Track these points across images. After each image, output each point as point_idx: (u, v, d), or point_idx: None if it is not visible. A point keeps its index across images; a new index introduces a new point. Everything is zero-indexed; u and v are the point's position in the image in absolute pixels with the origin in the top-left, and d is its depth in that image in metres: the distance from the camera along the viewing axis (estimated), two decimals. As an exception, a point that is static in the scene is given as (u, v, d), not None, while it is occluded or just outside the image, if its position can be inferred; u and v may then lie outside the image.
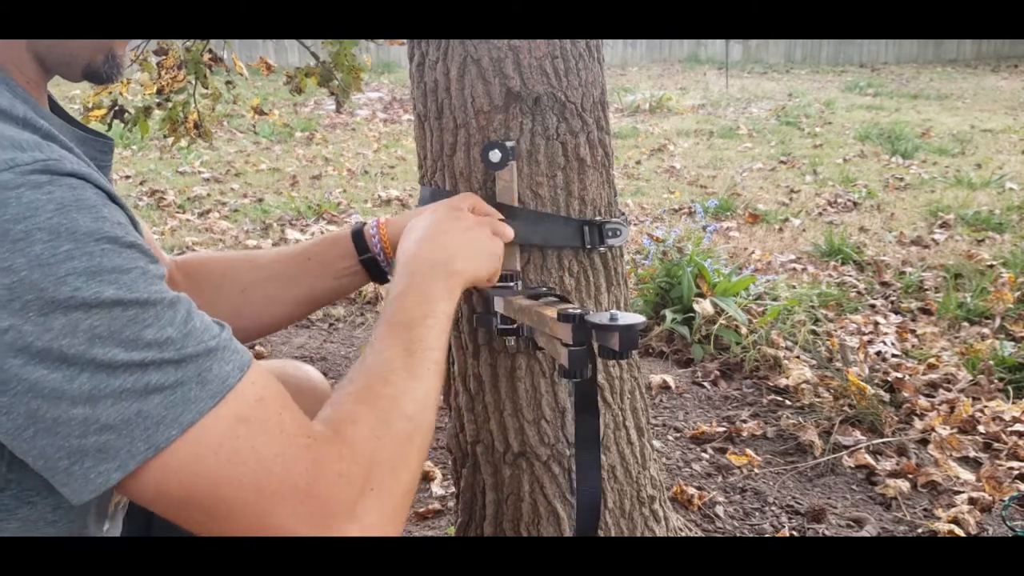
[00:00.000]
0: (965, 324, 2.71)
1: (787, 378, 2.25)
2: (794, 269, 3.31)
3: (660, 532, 1.34)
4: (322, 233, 3.10)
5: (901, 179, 4.97)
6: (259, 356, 2.55)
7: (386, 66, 9.95)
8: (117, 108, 2.29)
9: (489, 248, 0.99)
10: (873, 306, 2.92)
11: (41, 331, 0.55)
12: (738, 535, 1.61)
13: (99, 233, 0.58)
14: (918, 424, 2.00)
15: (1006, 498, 1.69)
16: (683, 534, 1.50)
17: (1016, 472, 1.78)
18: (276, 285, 1.07)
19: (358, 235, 1.08)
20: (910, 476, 1.79)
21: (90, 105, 2.30)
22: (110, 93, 2.39)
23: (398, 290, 0.87)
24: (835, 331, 2.60)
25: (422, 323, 0.83)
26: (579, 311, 0.97)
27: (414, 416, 0.76)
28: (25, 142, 0.59)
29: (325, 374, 2.38)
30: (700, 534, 1.60)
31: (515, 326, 1.11)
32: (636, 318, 0.94)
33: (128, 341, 0.58)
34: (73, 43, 0.72)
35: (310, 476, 0.65)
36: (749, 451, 1.91)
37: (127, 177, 5.21)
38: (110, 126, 2.29)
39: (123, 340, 0.57)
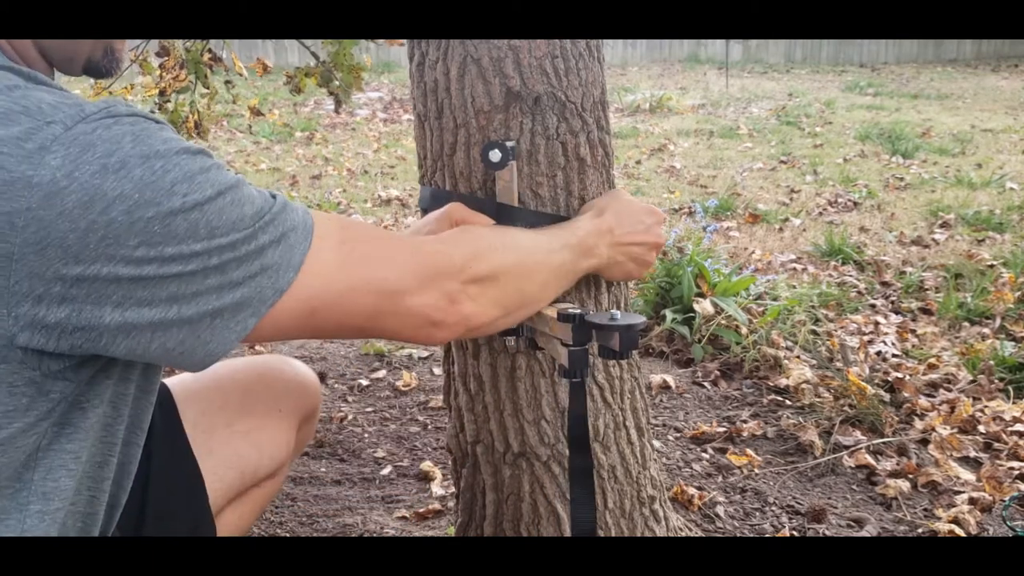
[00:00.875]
0: (965, 324, 2.71)
1: (787, 378, 2.25)
2: (794, 269, 3.31)
3: (660, 532, 1.34)
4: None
5: (901, 179, 4.96)
6: (258, 355, 2.55)
7: (386, 66, 9.95)
8: (119, 111, 2.28)
9: (646, 260, 1.11)
10: (873, 306, 2.92)
11: (168, 239, 0.63)
12: (738, 535, 1.61)
13: (176, 148, 0.66)
14: (918, 424, 2.00)
15: (1006, 498, 1.69)
16: (683, 534, 1.50)
17: (1016, 472, 1.78)
18: None
19: None
20: (910, 476, 1.79)
21: (90, 105, 2.30)
22: (111, 94, 2.39)
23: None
24: (835, 331, 2.60)
25: (559, 229, 1.03)
26: (579, 311, 0.97)
27: (526, 262, 0.95)
28: (77, 98, 0.67)
29: (325, 374, 2.38)
30: (700, 534, 1.60)
31: (516, 326, 1.11)
32: (636, 318, 0.94)
33: (238, 221, 0.67)
34: (76, 40, 0.76)
35: (415, 255, 0.81)
36: (749, 451, 1.91)
37: (127, 177, 5.20)
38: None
39: (234, 222, 0.67)
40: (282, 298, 0.70)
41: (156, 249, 0.63)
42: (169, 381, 1.13)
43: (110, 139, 0.63)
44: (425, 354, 2.57)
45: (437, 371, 2.43)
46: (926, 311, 2.87)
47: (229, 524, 1.13)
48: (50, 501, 0.70)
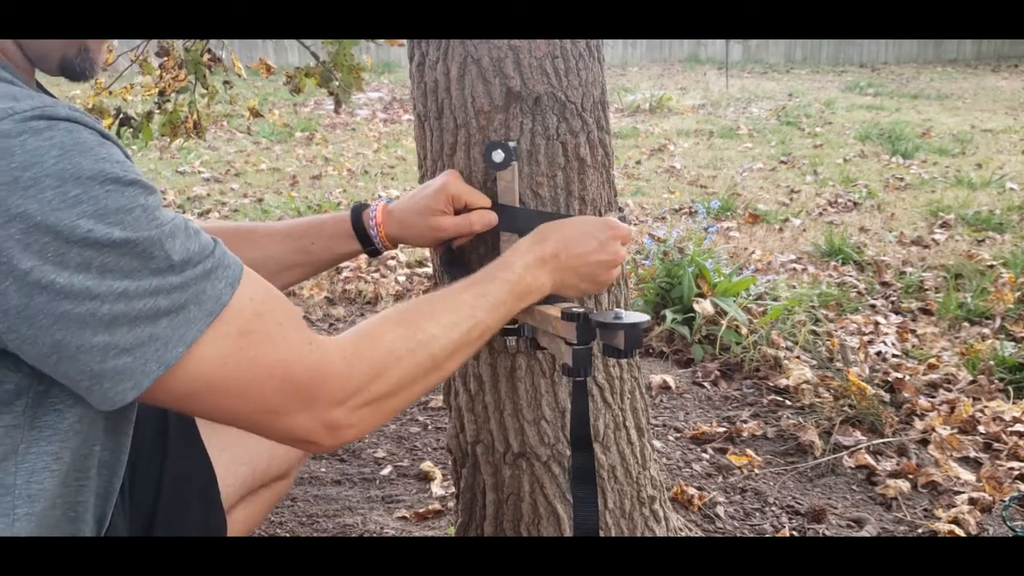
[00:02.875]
0: (965, 324, 2.70)
1: (787, 378, 2.25)
2: (794, 269, 3.31)
3: (660, 532, 1.34)
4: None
5: (901, 179, 4.96)
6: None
7: (386, 66, 9.95)
8: (123, 116, 2.29)
9: (602, 279, 1.04)
10: (873, 306, 2.92)
11: (59, 269, 0.60)
12: (738, 535, 1.61)
13: (102, 175, 0.62)
14: (918, 424, 2.00)
15: (1006, 498, 1.69)
16: (683, 534, 1.50)
17: (1016, 472, 1.78)
18: (281, 262, 1.13)
19: (359, 225, 1.12)
20: (910, 476, 1.79)
21: (91, 106, 2.30)
22: (110, 94, 2.39)
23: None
24: (835, 331, 2.60)
25: (491, 281, 0.94)
26: (583, 310, 0.97)
27: (437, 356, 0.85)
28: (19, 93, 0.63)
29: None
30: (700, 534, 1.60)
31: (516, 326, 1.11)
32: (641, 317, 0.94)
33: (136, 273, 0.63)
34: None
35: (312, 377, 0.74)
36: (749, 451, 1.91)
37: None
38: (119, 134, 2.29)
39: (131, 273, 0.63)
40: (166, 375, 0.66)
41: (48, 276, 0.60)
42: None
43: (32, 150, 0.60)
44: (425, 354, 2.56)
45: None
46: (926, 311, 2.87)
47: (238, 522, 1.13)
48: (36, 503, 0.70)
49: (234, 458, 1.10)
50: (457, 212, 1.07)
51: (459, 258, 1.15)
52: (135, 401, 0.67)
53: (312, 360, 0.74)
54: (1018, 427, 1.96)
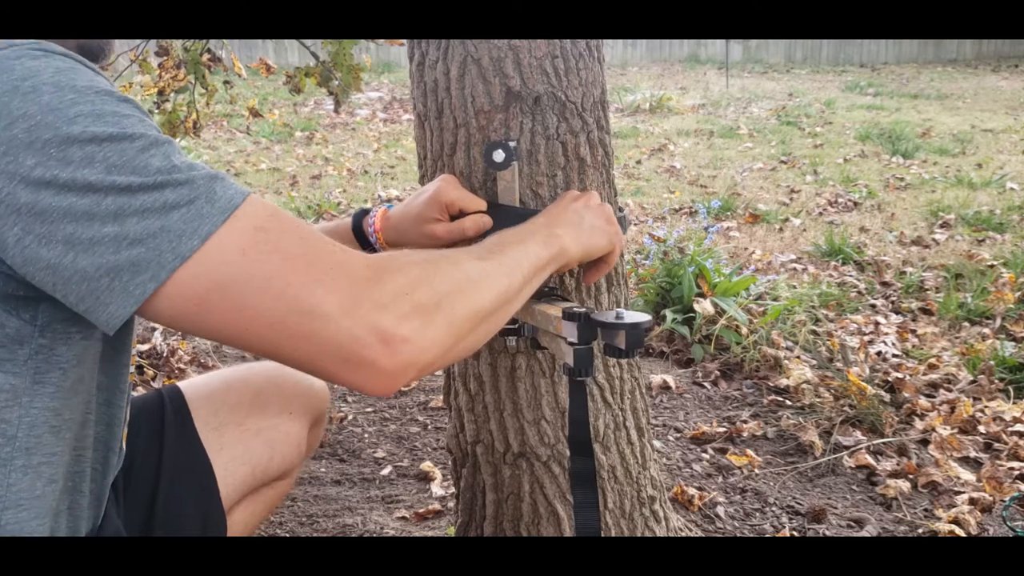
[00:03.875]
0: (966, 324, 2.70)
1: (787, 378, 2.25)
2: (794, 269, 3.31)
3: (660, 532, 1.34)
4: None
5: (902, 179, 4.96)
6: (259, 356, 2.55)
7: (386, 66, 9.95)
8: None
9: (600, 225, 1.02)
10: (873, 306, 2.92)
11: (63, 164, 0.62)
12: (738, 535, 1.61)
13: (96, 87, 0.66)
14: (918, 424, 2.00)
15: (1007, 498, 1.69)
16: (683, 534, 1.50)
17: (1017, 472, 1.78)
18: None
19: (359, 231, 1.12)
20: (910, 476, 1.79)
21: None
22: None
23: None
24: (835, 331, 2.60)
25: (510, 247, 0.88)
26: (584, 309, 0.97)
27: (475, 279, 0.78)
28: (22, 40, 0.68)
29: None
30: (700, 534, 1.60)
31: (517, 326, 1.11)
32: (642, 316, 0.93)
33: (140, 168, 0.64)
34: None
35: (340, 265, 0.68)
36: (749, 451, 1.90)
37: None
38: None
39: (135, 167, 0.64)
40: (183, 267, 0.63)
41: (51, 172, 0.62)
42: (181, 384, 1.16)
43: (31, 68, 0.64)
44: (425, 354, 2.56)
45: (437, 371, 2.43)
46: (926, 311, 2.87)
47: (239, 522, 1.14)
48: (32, 455, 0.71)
49: (233, 458, 1.10)
50: (453, 218, 1.07)
51: None
52: (132, 328, 0.68)
53: (338, 254, 0.69)
54: (1018, 427, 1.96)
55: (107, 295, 0.64)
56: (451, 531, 1.58)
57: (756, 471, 1.84)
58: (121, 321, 0.65)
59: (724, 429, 2.02)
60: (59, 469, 0.75)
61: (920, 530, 1.62)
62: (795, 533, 1.61)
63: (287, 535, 1.64)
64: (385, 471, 1.88)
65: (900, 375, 2.23)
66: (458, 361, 0.86)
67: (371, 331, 0.66)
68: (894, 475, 1.80)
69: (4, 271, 0.65)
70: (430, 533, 1.64)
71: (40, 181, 0.62)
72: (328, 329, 0.66)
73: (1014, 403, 2.08)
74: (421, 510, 1.70)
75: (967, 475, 1.78)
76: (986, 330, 2.62)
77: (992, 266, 3.24)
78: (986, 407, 2.07)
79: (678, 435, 2.02)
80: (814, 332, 2.53)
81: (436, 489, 1.79)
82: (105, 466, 0.84)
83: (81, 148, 0.62)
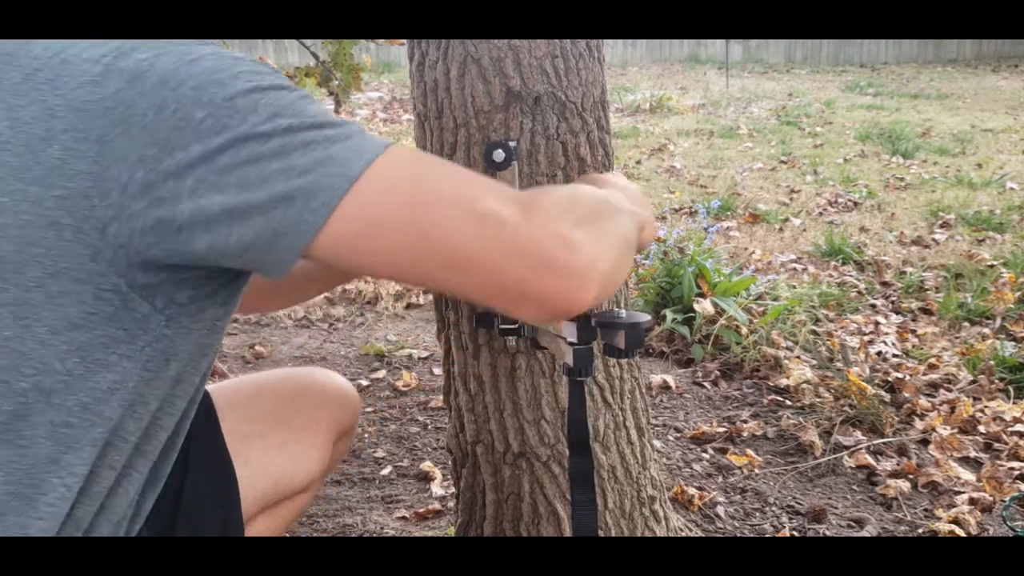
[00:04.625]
0: (966, 324, 2.70)
1: (788, 378, 2.25)
2: (794, 269, 3.31)
3: (660, 532, 1.34)
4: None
5: (901, 179, 4.96)
6: (259, 356, 2.55)
7: (386, 66, 9.94)
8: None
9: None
10: (873, 306, 2.92)
11: (231, 113, 0.65)
12: (738, 535, 1.61)
13: (250, 60, 0.70)
14: (919, 424, 2.00)
15: (1007, 498, 1.69)
16: (683, 534, 1.50)
17: (1017, 472, 1.78)
18: (307, 273, 1.13)
19: None
20: (911, 476, 1.79)
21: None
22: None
23: None
24: (835, 331, 2.60)
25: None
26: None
27: (609, 214, 0.77)
28: None
29: (325, 374, 2.38)
30: (700, 534, 1.60)
31: (517, 326, 1.11)
32: (642, 316, 0.93)
33: (300, 111, 0.67)
34: None
35: (498, 187, 0.70)
36: (749, 451, 1.90)
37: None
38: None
39: (296, 111, 0.67)
40: (353, 188, 0.64)
41: (220, 122, 0.64)
42: (210, 387, 1.13)
43: (191, 48, 0.68)
44: (425, 354, 2.57)
45: (437, 371, 2.43)
46: (926, 311, 2.87)
47: (256, 533, 1.13)
48: (115, 440, 0.71)
49: (258, 471, 1.08)
50: None
51: None
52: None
53: (493, 181, 0.71)
54: (1018, 427, 1.96)
55: (282, 225, 0.64)
56: (451, 531, 1.58)
57: (756, 471, 1.84)
58: (295, 256, 0.66)
59: (724, 429, 2.02)
60: (121, 458, 0.74)
61: (920, 530, 1.62)
62: (795, 533, 1.61)
63: (287, 535, 1.64)
64: (385, 471, 1.88)
65: (900, 375, 2.23)
66: (611, 296, 0.88)
67: (552, 234, 0.66)
68: (894, 475, 1.80)
69: (157, 254, 0.66)
70: (430, 533, 1.64)
71: (211, 130, 0.64)
72: (511, 231, 0.65)
73: (1014, 403, 2.08)
74: (421, 510, 1.70)
75: (967, 475, 1.78)
76: (986, 330, 2.62)
77: (992, 266, 3.24)
78: (986, 407, 2.07)
79: (678, 435, 2.02)
80: (814, 332, 2.53)
81: (436, 489, 1.79)
82: (151, 479, 0.82)
83: (245, 98, 0.65)
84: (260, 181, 0.64)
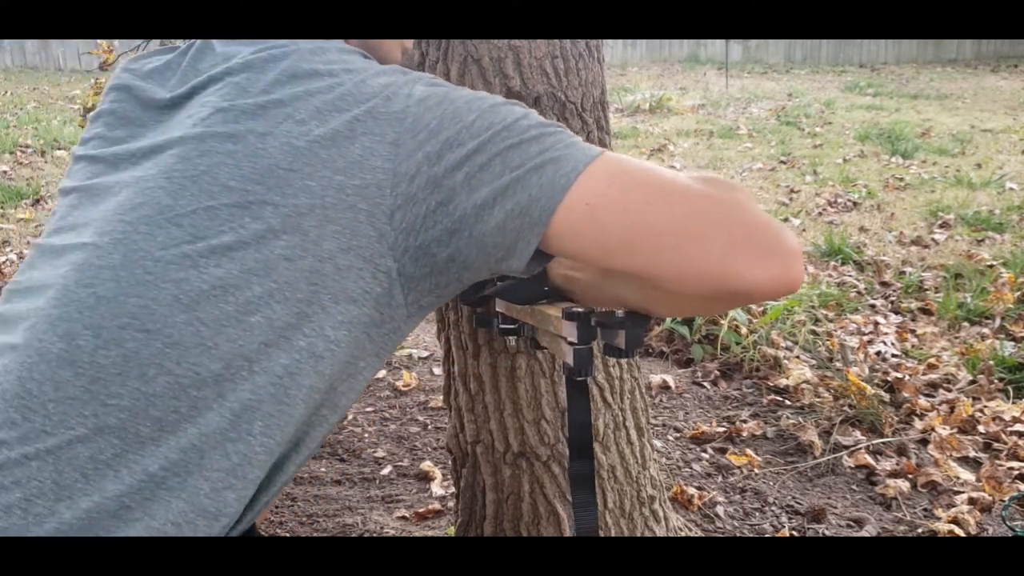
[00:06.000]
0: (965, 324, 2.71)
1: (787, 378, 2.25)
2: (794, 269, 3.31)
3: (660, 532, 1.34)
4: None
5: (901, 179, 4.96)
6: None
7: (386, 66, 9.93)
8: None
9: None
10: (873, 306, 2.92)
11: (494, 114, 0.75)
12: (738, 535, 1.61)
13: None
14: (918, 424, 2.00)
15: (1006, 498, 1.69)
16: (683, 534, 1.50)
17: (1016, 472, 1.78)
18: None
19: None
20: (910, 476, 1.79)
21: (90, 105, 2.30)
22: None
23: None
24: (835, 331, 2.60)
25: None
26: (584, 309, 0.97)
27: None
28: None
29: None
30: (700, 534, 1.60)
31: (516, 326, 1.11)
32: (642, 316, 0.93)
33: (539, 122, 0.77)
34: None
35: (710, 178, 0.74)
36: (749, 451, 1.91)
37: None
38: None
39: (539, 121, 0.76)
40: (591, 165, 0.73)
41: (487, 121, 0.75)
42: None
43: (449, 84, 0.80)
44: (425, 354, 2.57)
45: (437, 371, 2.43)
46: (926, 311, 2.87)
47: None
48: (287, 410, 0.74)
49: None
50: None
51: None
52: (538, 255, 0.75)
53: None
54: (1018, 427, 1.96)
55: (536, 189, 0.73)
56: (451, 531, 1.58)
57: (756, 471, 1.84)
58: (542, 229, 0.73)
59: (724, 429, 2.02)
60: (278, 440, 0.74)
61: (920, 530, 1.62)
62: (795, 533, 1.61)
63: (287, 535, 1.64)
64: (385, 471, 1.88)
65: (900, 375, 2.23)
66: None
67: (759, 217, 0.70)
68: (894, 475, 1.80)
69: (434, 234, 0.74)
70: (430, 533, 1.64)
71: (480, 128, 0.74)
72: (734, 210, 0.69)
73: (1013, 403, 2.09)
74: (421, 510, 1.70)
75: (967, 475, 1.79)
76: (985, 330, 2.63)
77: (992, 266, 3.24)
78: (985, 407, 2.07)
79: (678, 435, 2.02)
80: (814, 332, 2.53)
81: (436, 489, 1.79)
82: (272, 475, 0.78)
83: (503, 106, 0.77)
84: (520, 160, 0.73)
